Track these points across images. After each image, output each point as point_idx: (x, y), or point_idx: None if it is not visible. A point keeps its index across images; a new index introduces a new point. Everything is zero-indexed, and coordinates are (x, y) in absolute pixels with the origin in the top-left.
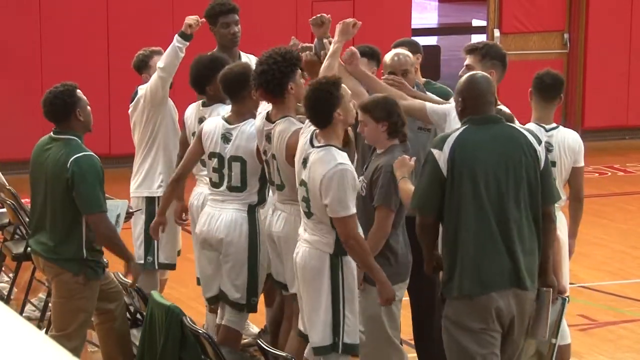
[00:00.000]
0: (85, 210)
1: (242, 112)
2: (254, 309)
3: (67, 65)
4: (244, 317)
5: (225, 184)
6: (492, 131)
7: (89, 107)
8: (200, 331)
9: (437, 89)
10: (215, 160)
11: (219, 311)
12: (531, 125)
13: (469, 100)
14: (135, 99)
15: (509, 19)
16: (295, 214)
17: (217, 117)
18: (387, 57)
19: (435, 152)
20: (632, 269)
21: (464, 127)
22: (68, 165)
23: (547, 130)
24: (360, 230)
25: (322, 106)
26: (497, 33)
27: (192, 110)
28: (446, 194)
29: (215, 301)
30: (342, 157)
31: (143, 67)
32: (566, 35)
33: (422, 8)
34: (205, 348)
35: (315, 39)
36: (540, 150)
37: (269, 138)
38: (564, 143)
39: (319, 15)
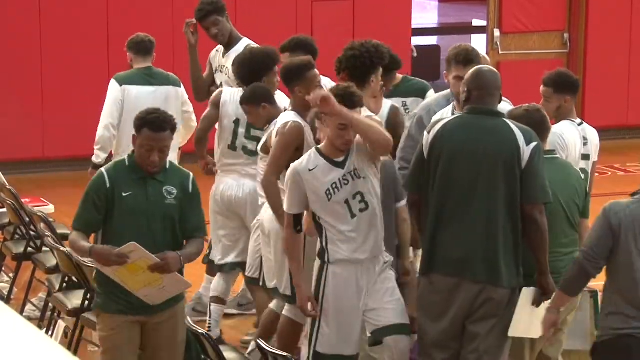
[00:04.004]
0: None
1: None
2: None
3: (67, 66)
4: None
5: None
6: (482, 123)
7: None
8: (200, 331)
9: (415, 84)
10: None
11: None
12: (565, 122)
13: (474, 91)
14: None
15: (509, 18)
16: None
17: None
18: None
19: (425, 133)
20: None
21: (459, 114)
22: None
23: (578, 125)
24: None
25: None
26: (497, 33)
27: (232, 97)
28: (425, 174)
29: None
30: (300, 159)
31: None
32: (566, 35)
33: (422, 8)
34: (206, 348)
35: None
36: (527, 149)
37: None
38: (591, 137)
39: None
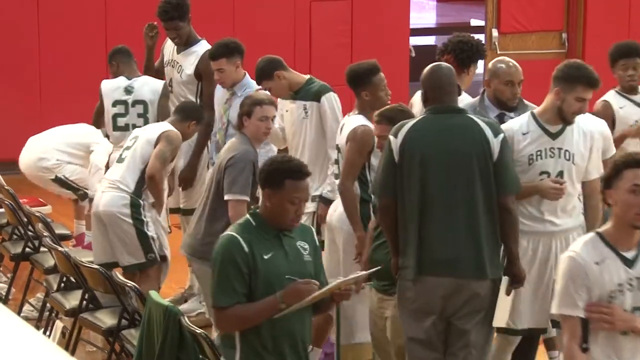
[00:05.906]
0: None
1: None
2: None
3: (66, 66)
4: None
5: None
6: (449, 121)
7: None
8: (198, 331)
9: (316, 86)
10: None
11: None
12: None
13: (430, 90)
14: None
15: (507, 18)
16: None
17: None
18: (502, 65)
19: (391, 138)
20: None
21: (423, 115)
22: None
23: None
24: None
25: None
26: (495, 33)
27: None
28: (397, 178)
29: None
30: (578, 248)
31: None
32: (564, 35)
33: (421, 8)
34: (203, 348)
35: None
36: (495, 142)
37: None
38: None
39: None
